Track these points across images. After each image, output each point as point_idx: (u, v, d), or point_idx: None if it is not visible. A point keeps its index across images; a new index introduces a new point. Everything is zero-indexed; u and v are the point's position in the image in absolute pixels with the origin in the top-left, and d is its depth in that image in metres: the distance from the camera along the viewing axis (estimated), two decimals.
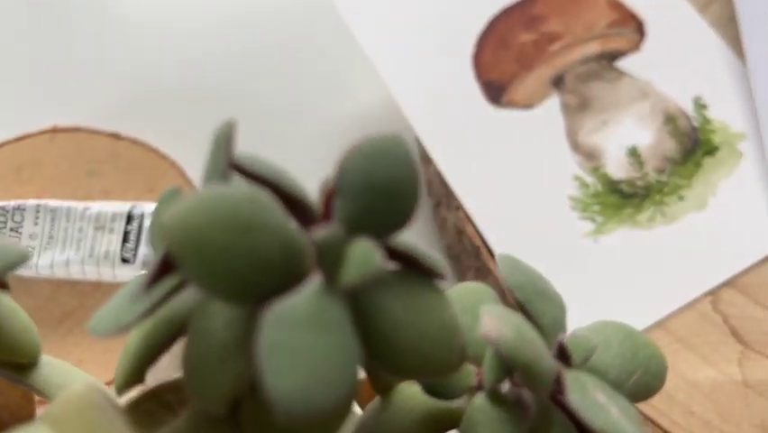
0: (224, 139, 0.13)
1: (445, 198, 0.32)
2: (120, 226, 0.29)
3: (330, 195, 0.13)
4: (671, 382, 0.27)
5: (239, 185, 0.12)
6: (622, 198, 0.30)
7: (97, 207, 0.29)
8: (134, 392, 0.15)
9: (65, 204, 0.29)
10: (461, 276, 0.33)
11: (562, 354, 0.14)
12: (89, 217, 0.29)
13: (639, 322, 0.28)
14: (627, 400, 0.14)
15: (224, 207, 0.11)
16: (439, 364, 0.13)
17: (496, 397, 0.14)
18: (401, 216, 0.13)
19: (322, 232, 0.12)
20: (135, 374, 0.15)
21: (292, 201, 0.13)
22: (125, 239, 0.28)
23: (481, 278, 0.30)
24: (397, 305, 0.13)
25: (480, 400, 0.14)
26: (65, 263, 0.28)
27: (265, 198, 0.12)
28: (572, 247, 0.29)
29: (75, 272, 0.28)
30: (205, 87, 0.36)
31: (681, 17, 0.34)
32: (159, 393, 0.15)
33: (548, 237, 0.29)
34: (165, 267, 0.12)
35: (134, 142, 0.33)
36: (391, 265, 0.13)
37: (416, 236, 0.33)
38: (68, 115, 0.33)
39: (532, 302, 0.15)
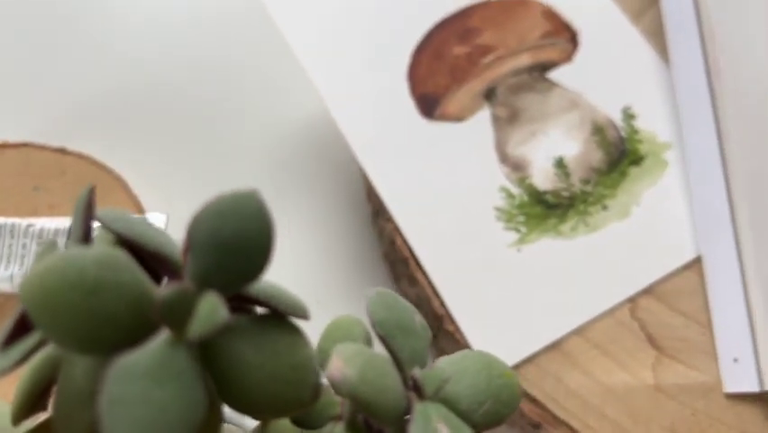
0: (84, 204, 0.14)
1: (381, 208, 0.33)
2: (63, 242, 0.30)
3: (186, 251, 0.14)
4: (586, 387, 0.29)
5: (96, 247, 0.14)
6: (546, 208, 0.32)
7: (41, 223, 0.30)
8: (30, 422, 0.17)
9: (9, 221, 0.30)
10: (397, 283, 0.34)
11: (416, 387, 0.15)
12: (33, 234, 0.30)
13: (558, 330, 0.29)
14: (471, 430, 0.15)
15: (74, 270, 0.13)
16: (291, 403, 0.14)
17: (353, 427, 0.15)
18: (252, 270, 0.14)
19: (170, 288, 0.13)
20: (25, 407, 0.16)
21: (156, 257, 0.14)
22: None
23: (414, 285, 0.32)
24: (248, 349, 0.14)
25: (338, 429, 0.15)
26: (9, 278, 0.29)
27: (118, 257, 0.13)
28: (496, 257, 0.30)
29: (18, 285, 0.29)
30: (148, 101, 0.37)
31: (615, 27, 0.35)
32: (47, 425, 0.16)
33: (473, 248, 0.30)
34: (23, 324, 0.13)
35: (80, 156, 0.34)
36: (260, 310, 0.14)
37: (358, 243, 0.35)
38: (15, 130, 0.34)
39: (393, 337, 0.16)
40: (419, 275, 0.30)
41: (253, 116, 0.37)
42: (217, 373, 0.14)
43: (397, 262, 0.32)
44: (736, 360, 0.29)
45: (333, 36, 0.34)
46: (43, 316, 0.12)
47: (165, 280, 0.15)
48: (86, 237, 0.14)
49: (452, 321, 0.29)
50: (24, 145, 0.34)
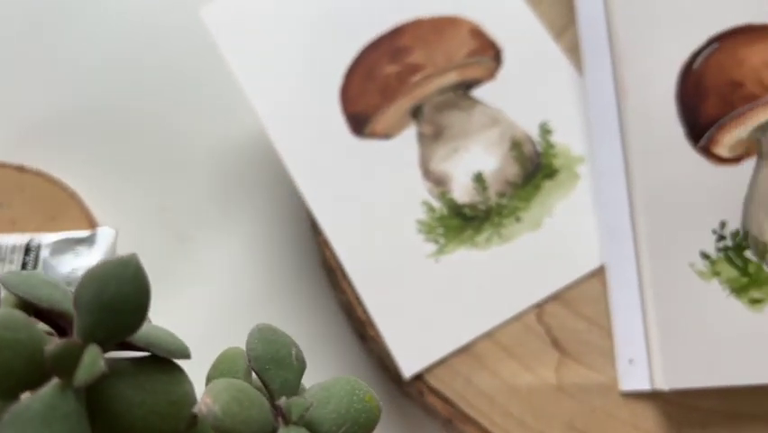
0: None
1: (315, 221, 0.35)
2: (19, 258, 0.33)
3: (75, 309, 0.17)
4: (493, 387, 0.32)
5: (1, 309, 0.16)
6: (464, 220, 0.34)
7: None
8: None
9: None
10: (337, 289, 0.36)
11: (282, 414, 0.18)
12: None
13: (469, 334, 0.32)
14: None
15: None
16: None
17: None
18: (129, 326, 0.17)
19: (58, 343, 0.16)
20: None
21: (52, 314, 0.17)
22: (23, 269, 0.32)
23: (342, 293, 0.34)
24: (129, 389, 0.17)
25: None
26: None
27: (17, 318, 0.16)
28: (416, 268, 0.33)
29: None
30: (100, 120, 0.39)
31: (538, 44, 0.37)
32: None
33: (395, 259, 0.33)
34: None
35: (38, 173, 0.36)
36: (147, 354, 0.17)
37: (300, 253, 0.37)
38: None
39: (266, 370, 0.19)
40: (345, 284, 0.33)
41: (200, 133, 0.39)
42: (102, 413, 0.16)
43: (330, 272, 0.35)
44: (631, 361, 0.32)
45: (270, 56, 0.36)
46: None
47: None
48: None
49: (373, 327, 0.32)
50: None
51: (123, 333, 0.17)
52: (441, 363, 0.32)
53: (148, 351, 0.17)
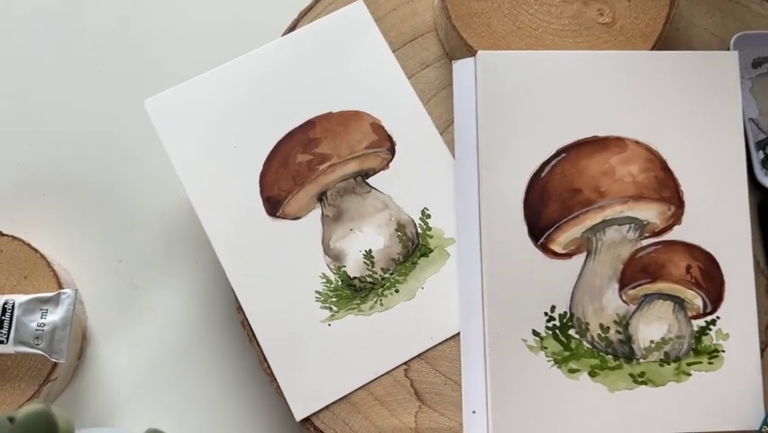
0: None
1: None
2: None
3: None
4: (365, 429, 0.39)
5: None
6: (354, 291, 0.41)
7: None
8: None
9: None
10: (252, 343, 0.43)
11: None
12: None
13: (349, 386, 0.40)
14: None
15: None
16: None
17: None
18: None
19: None
20: None
21: None
22: (0, 325, 0.40)
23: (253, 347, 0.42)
24: None
25: None
26: None
27: None
28: (312, 330, 0.40)
29: None
30: (64, 191, 0.46)
31: (426, 138, 0.43)
32: None
33: (295, 323, 0.40)
34: None
35: (14, 238, 0.43)
36: None
37: (227, 310, 0.44)
38: None
39: None
40: (254, 344, 0.40)
41: (149, 200, 0.46)
42: None
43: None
44: (474, 412, 0.39)
45: (201, 144, 0.43)
46: None
47: None
48: None
49: (275, 381, 0.40)
50: None
51: None
52: (325, 409, 0.39)
53: None
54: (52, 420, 0.24)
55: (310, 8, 0.46)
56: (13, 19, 0.49)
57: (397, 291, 0.41)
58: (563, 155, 0.40)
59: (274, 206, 0.42)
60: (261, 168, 0.43)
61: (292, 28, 0.45)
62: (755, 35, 0.45)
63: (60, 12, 0.49)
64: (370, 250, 0.42)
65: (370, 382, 0.40)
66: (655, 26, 0.43)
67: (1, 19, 0.49)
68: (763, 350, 0.41)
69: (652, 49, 0.42)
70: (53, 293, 0.41)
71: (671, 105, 0.41)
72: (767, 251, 0.42)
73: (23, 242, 0.43)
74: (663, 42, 0.44)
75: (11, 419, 0.26)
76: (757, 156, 0.44)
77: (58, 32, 0.49)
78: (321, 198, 0.43)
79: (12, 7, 0.49)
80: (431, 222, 0.42)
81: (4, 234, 0.43)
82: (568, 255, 0.40)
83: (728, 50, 0.44)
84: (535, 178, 0.40)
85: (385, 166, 0.43)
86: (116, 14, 0.50)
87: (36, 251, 0.43)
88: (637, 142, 0.41)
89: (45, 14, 0.49)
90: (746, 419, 0.39)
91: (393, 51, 0.45)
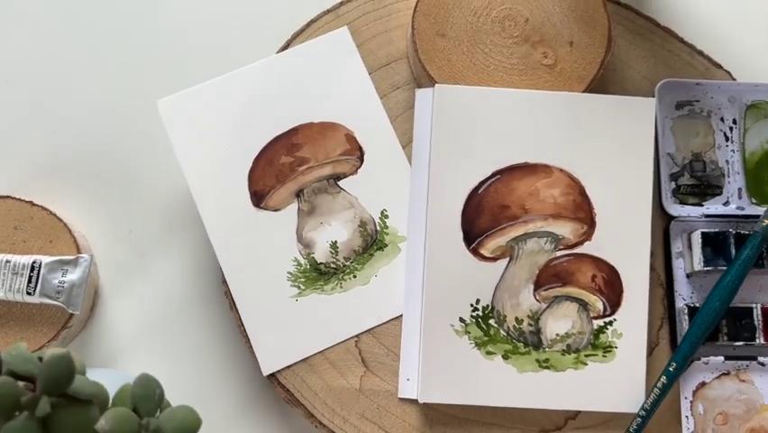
0: None
1: None
2: (26, 272, 0.48)
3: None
4: (318, 386, 0.47)
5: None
6: (319, 274, 0.49)
7: (14, 259, 0.48)
8: None
9: None
10: (232, 310, 0.52)
11: (145, 427, 0.34)
12: (9, 267, 0.48)
13: (310, 350, 0.48)
14: None
15: None
16: None
17: None
18: (63, 385, 0.32)
19: (29, 396, 0.32)
20: None
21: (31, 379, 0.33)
22: (30, 280, 0.48)
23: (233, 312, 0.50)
24: (63, 416, 0.33)
25: None
26: None
27: (8, 381, 0.31)
28: (281, 304, 0.48)
29: (1, 297, 0.48)
30: (86, 169, 0.54)
31: (390, 151, 0.50)
32: None
33: (269, 297, 0.48)
34: None
35: (43, 208, 0.51)
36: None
37: (215, 277, 0.52)
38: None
39: (140, 402, 0.34)
40: (234, 311, 0.48)
41: (157, 179, 0.53)
42: (49, 429, 0.32)
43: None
44: (408, 379, 0.47)
45: (201, 142, 0.50)
46: None
47: None
48: None
49: (249, 342, 0.48)
50: (7, 198, 0.51)
51: (60, 388, 0.32)
52: (287, 368, 0.48)
53: (77, 396, 0.33)
54: (72, 361, 0.32)
55: (302, 30, 0.53)
56: (44, 20, 0.56)
57: (354, 277, 0.49)
58: (498, 176, 0.48)
59: (259, 198, 0.50)
60: (250, 165, 0.50)
61: (285, 47, 0.52)
62: (679, 82, 0.52)
63: (86, 12, 0.56)
64: (336, 241, 0.50)
65: (326, 348, 0.48)
66: (590, 70, 0.49)
67: (31, 20, 0.56)
68: (653, 349, 0.49)
69: (585, 90, 0.49)
70: (73, 257, 0.49)
71: (593, 140, 0.48)
72: (667, 267, 0.50)
73: (50, 212, 0.51)
74: (600, 81, 0.51)
75: (40, 359, 0.34)
76: (669, 186, 0.51)
77: (81, 32, 0.56)
78: (298, 194, 0.50)
79: (44, 8, 0.57)
80: (388, 222, 0.50)
81: (35, 205, 0.51)
82: (494, 259, 0.47)
83: (655, 92, 0.51)
84: (473, 193, 0.48)
85: (354, 172, 0.51)
86: (138, 22, 0.57)
87: (60, 220, 0.51)
88: (561, 170, 0.48)
89: (73, 15, 0.56)
90: (629, 404, 0.47)
91: (369, 73, 0.52)
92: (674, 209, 0.50)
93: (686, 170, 0.52)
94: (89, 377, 0.35)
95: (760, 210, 0.50)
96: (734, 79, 0.53)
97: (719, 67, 0.53)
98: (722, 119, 0.52)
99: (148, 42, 0.56)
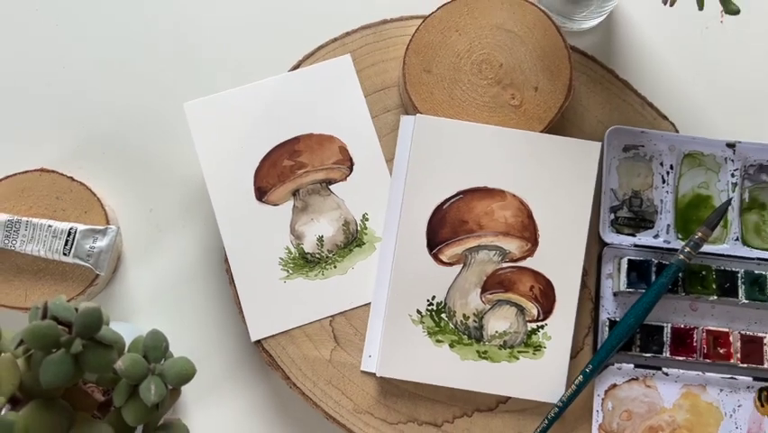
0: (43, 306, 0.41)
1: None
2: (63, 237, 0.57)
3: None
4: (296, 354, 0.56)
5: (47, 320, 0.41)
6: (306, 262, 0.57)
7: (55, 224, 0.57)
8: None
9: (40, 221, 0.57)
10: (231, 285, 0.60)
11: (151, 370, 0.43)
12: (49, 231, 0.57)
13: (291, 325, 0.56)
14: (167, 386, 0.42)
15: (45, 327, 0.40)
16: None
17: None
18: (93, 330, 0.41)
19: (66, 337, 0.40)
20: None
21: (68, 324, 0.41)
22: (66, 243, 0.57)
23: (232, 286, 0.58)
24: (91, 354, 0.41)
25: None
26: (38, 251, 0.57)
27: (50, 324, 0.40)
28: (272, 284, 0.57)
29: (42, 255, 0.57)
30: (116, 152, 0.62)
31: (376, 164, 0.59)
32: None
33: (262, 277, 0.57)
34: None
35: (81, 183, 0.60)
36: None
37: (219, 257, 0.61)
38: (47, 162, 0.61)
39: (150, 350, 0.43)
40: (232, 286, 0.57)
41: (177, 165, 0.62)
42: (81, 363, 0.41)
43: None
44: (370, 356, 0.56)
45: (219, 142, 0.58)
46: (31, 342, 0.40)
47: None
48: (44, 315, 0.41)
49: (242, 313, 0.56)
50: (52, 172, 0.60)
51: (90, 333, 0.41)
52: (271, 337, 0.56)
53: (102, 341, 0.42)
54: (101, 313, 0.41)
55: (311, 54, 0.61)
56: (100, 25, 0.65)
57: (335, 267, 0.58)
58: (461, 196, 0.56)
59: (261, 193, 0.58)
60: (257, 165, 0.59)
61: (296, 66, 0.60)
62: (628, 129, 0.59)
63: (134, 25, 0.65)
64: (322, 236, 0.58)
65: (305, 324, 0.57)
66: (550, 113, 0.57)
67: (89, 24, 0.65)
68: (577, 352, 0.57)
69: (543, 130, 0.57)
70: (103, 227, 0.58)
71: (544, 173, 0.56)
72: (598, 285, 0.58)
73: (87, 186, 0.60)
74: (561, 121, 0.59)
75: (75, 309, 0.42)
76: (608, 217, 0.59)
77: (127, 39, 0.65)
78: (295, 193, 0.58)
79: (84, 13, 0.65)
80: (368, 224, 0.58)
81: (74, 180, 0.60)
82: (450, 264, 0.56)
83: (605, 136, 0.59)
84: (438, 208, 0.56)
85: (344, 178, 0.59)
86: (173, 36, 0.65)
87: (94, 194, 0.60)
88: (514, 196, 0.56)
89: (127, 26, 0.65)
90: (550, 395, 0.55)
91: (365, 96, 0.60)
92: (609, 237, 0.58)
93: (625, 204, 0.60)
94: (112, 328, 0.44)
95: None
96: (676, 131, 0.61)
97: (665, 118, 0.61)
98: (661, 164, 0.60)
99: (180, 51, 0.64)
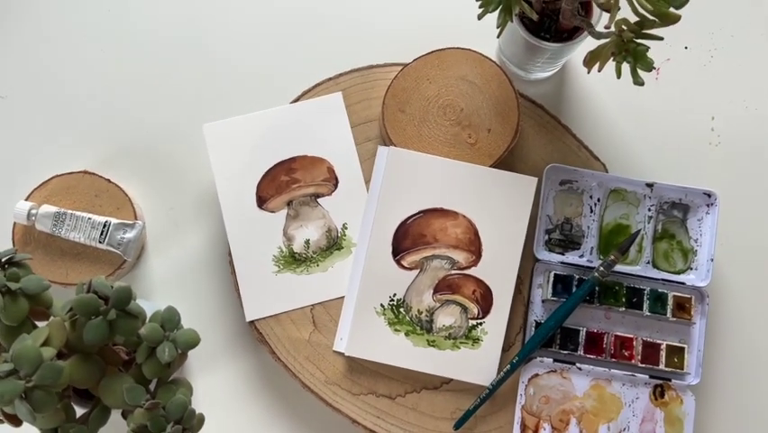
0: (88, 284, 0.52)
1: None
2: (100, 228, 0.68)
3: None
4: (281, 335, 0.68)
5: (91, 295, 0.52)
6: (294, 260, 0.69)
7: (93, 217, 0.68)
8: None
9: (81, 214, 0.68)
10: (232, 275, 0.71)
11: (166, 337, 0.54)
12: (89, 222, 0.68)
13: (279, 310, 0.67)
14: (177, 349, 0.53)
15: (88, 300, 0.51)
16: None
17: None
18: (123, 303, 0.52)
19: (105, 307, 0.51)
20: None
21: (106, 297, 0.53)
22: (101, 233, 0.68)
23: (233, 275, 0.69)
24: (121, 321, 0.53)
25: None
26: (78, 238, 0.68)
27: (92, 297, 0.51)
28: (265, 277, 0.68)
29: (81, 241, 0.68)
30: (144, 159, 0.73)
31: (356, 184, 0.70)
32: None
33: (258, 270, 0.68)
34: None
35: (116, 185, 0.71)
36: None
37: (223, 250, 0.72)
38: (89, 165, 0.72)
39: (166, 322, 0.54)
40: (233, 275, 0.68)
41: (193, 172, 0.73)
42: (113, 328, 0.52)
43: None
44: (341, 339, 0.67)
45: (231, 159, 0.69)
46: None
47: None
48: (88, 290, 0.52)
49: (240, 297, 0.68)
50: (93, 174, 0.71)
51: (122, 306, 0.52)
52: (261, 319, 0.67)
53: (130, 312, 0.53)
54: (131, 291, 0.52)
55: (309, 90, 0.72)
56: (135, 46, 0.76)
57: (317, 266, 0.69)
58: (421, 215, 0.67)
59: (261, 202, 0.69)
60: (259, 178, 0.70)
61: (296, 99, 0.71)
62: (563, 167, 0.70)
63: (155, 48, 0.76)
64: (309, 239, 0.69)
65: (290, 310, 0.68)
66: (499, 151, 0.68)
67: (115, 50, 0.76)
68: (510, 347, 0.68)
69: (492, 165, 0.68)
70: (131, 222, 0.69)
71: (490, 200, 0.67)
72: (530, 292, 0.69)
73: (120, 188, 0.71)
74: (510, 157, 0.70)
75: (111, 286, 0.53)
76: (542, 238, 0.70)
77: (150, 62, 0.76)
78: (289, 203, 0.70)
79: (124, 43, 0.76)
80: (347, 232, 0.69)
81: (110, 181, 0.71)
82: (410, 269, 0.67)
83: (544, 172, 0.70)
84: (403, 224, 0.67)
85: (330, 193, 0.70)
86: (196, 63, 0.76)
87: (126, 194, 0.71)
88: (464, 216, 0.67)
89: (148, 51, 0.76)
90: (484, 379, 0.66)
91: (351, 127, 0.71)
92: (542, 254, 0.69)
93: (558, 228, 0.70)
94: (138, 303, 0.55)
95: None
96: (606, 170, 0.72)
97: (597, 159, 0.72)
98: (591, 196, 0.71)
99: (202, 79, 0.75)
